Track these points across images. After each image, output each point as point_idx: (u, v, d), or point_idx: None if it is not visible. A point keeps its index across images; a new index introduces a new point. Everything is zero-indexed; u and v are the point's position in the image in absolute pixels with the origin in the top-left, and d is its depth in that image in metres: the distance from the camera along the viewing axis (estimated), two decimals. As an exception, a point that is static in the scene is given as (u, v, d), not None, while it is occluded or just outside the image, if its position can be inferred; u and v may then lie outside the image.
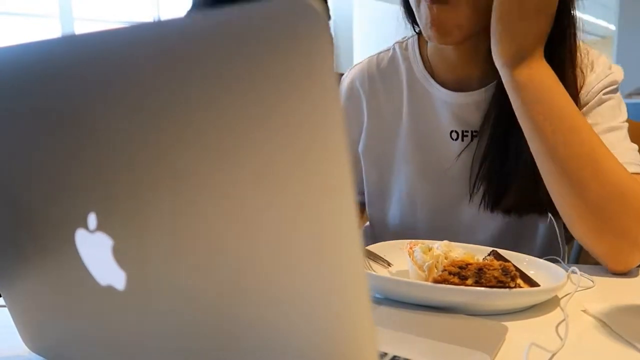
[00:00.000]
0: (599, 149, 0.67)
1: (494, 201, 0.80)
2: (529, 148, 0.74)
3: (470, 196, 0.82)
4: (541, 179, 0.74)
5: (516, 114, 0.70)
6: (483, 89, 0.81)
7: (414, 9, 0.76)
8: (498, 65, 0.70)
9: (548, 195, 0.74)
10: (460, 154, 0.82)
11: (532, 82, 0.68)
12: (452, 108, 0.82)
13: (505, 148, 0.78)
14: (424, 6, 0.72)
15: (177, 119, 0.28)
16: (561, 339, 0.48)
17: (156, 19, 0.28)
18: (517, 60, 0.68)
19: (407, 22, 0.85)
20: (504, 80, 0.70)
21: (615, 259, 0.68)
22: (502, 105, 0.78)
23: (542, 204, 0.78)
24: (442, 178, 0.84)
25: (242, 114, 0.26)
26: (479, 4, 0.70)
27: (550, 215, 0.78)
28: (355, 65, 0.94)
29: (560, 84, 0.68)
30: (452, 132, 0.83)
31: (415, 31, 0.87)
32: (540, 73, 0.68)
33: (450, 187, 0.84)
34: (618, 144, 0.71)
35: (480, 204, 0.81)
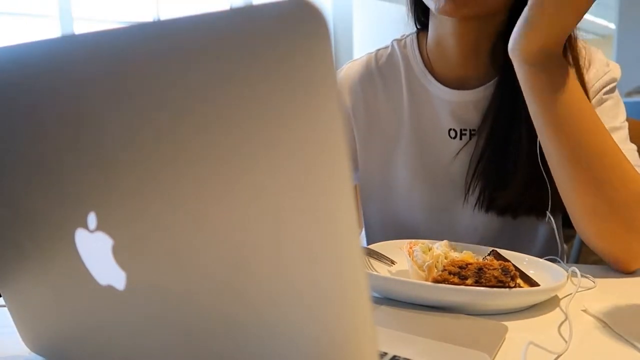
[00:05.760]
0: (615, 149, 0.66)
1: (489, 201, 0.80)
2: (526, 148, 0.74)
3: (466, 195, 0.82)
4: (538, 180, 0.73)
5: (532, 112, 0.68)
6: (482, 87, 0.80)
7: None
8: (517, 60, 0.66)
9: (549, 194, 0.74)
10: (459, 152, 0.82)
11: (552, 84, 0.65)
12: (450, 106, 0.82)
13: (503, 147, 0.78)
14: None
15: (176, 119, 0.28)
16: (565, 340, 0.48)
17: (156, 19, 0.28)
18: (539, 58, 0.64)
19: (409, 12, 0.84)
20: (521, 78, 0.67)
21: (630, 259, 0.68)
22: (501, 104, 0.78)
23: (537, 207, 0.78)
24: (441, 177, 0.84)
25: (242, 114, 0.26)
26: None
27: (549, 215, 0.78)
28: (354, 60, 0.94)
29: (578, 82, 0.66)
30: (450, 130, 0.83)
31: (417, 26, 0.87)
32: (561, 74, 0.65)
33: (448, 187, 0.84)
34: (619, 145, 0.71)
35: (475, 204, 0.81)
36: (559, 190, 0.70)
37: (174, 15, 0.27)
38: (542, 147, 0.69)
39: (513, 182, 0.77)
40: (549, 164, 0.69)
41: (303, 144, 0.25)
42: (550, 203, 0.76)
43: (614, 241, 0.67)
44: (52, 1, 2.55)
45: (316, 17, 0.23)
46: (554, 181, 0.70)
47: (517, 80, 0.69)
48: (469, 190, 0.81)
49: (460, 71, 0.82)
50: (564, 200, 0.70)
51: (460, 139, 0.82)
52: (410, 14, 0.87)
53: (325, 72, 0.23)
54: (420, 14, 0.86)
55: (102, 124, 0.32)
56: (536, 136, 0.70)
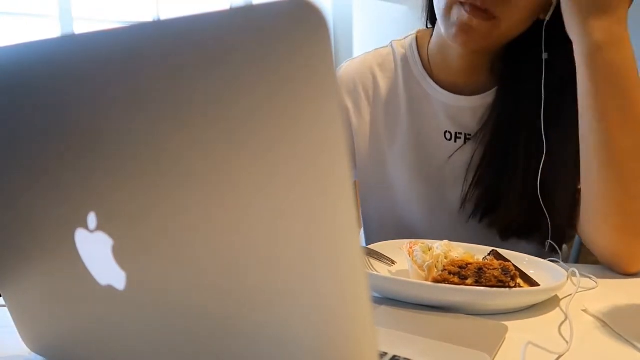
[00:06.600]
0: None
1: (484, 217, 0.80)
2: (525, 161, 0.74)
3: (463, 203, 0.82)
4: (535, 205, 0.73)
5: (584, 91, 0.64)
6: (480, 95, 0.81)
7: (438, 9, 0.73)
8: (577, 35, 0.63)
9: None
10: (452, 155, 0.82)
11: (614, 65, 0.62)
12: (447, 109, 0.83)
13: (502, 157, 0.78)
14: (457, 11, 0.70)
15: (176, 119, 0.28)
16: (565, 340, 0.48)
17: (156, 19, 0.28)
18: (606, 36, 0.61)
19: (424, 9, 0.84)
20: (580, 53, 0.63)
21: (635, 260, 0.68)
22: (500, 114, 0.78)
23: (532, 228, 0.77)
24: (436, 177, 0.84)
25: (241, 114, 0.26)
26: (522, 17, 0.69)
27: (548, 243, 0.78)
28: (352, 59, 0.94)
29: (635, 65, 0.63)
30: (445, 132, 0.83)
31: (427, 26, 0.87)
32: (626, 56, 0.62)
33: (444, 187, 0.84)
34: None
35: (470, 216, 0.82)
36: (583, 182, 0.68)
37: (174, 15, 0.27)
38: (581, 130, 0.66)
39: (507, 198, 0.77)
40: (581, 152, 0.67)
41: (303, 143, 0.25)
42: (549, 230, 0.75)
43: (625, 240, 0.67)
44: (52, 1, 2.55)
45: (316, 17, 0.23)
46: (557, 203, 0.69)
47: (518, 91, 0.68)
48: (466, 198, 0.81)
49: (459, 78, 0.82)
50: (585, 192, 0.69)
51: (455, 141, 0.83)
52: (424, 12, 0.86)
53: (325, 72, 0.23)
54: (431, 18, 0.85)
55: (101, 123, 0.32)
56: (535, 155, 0.70)
